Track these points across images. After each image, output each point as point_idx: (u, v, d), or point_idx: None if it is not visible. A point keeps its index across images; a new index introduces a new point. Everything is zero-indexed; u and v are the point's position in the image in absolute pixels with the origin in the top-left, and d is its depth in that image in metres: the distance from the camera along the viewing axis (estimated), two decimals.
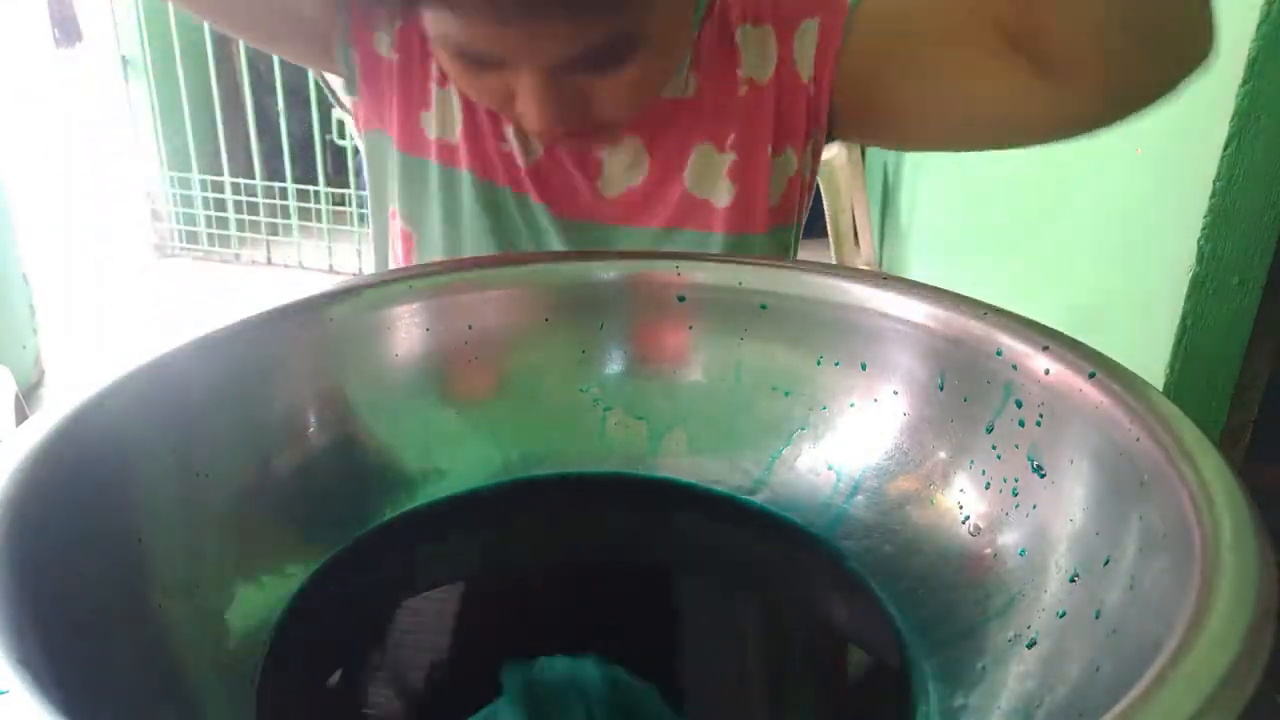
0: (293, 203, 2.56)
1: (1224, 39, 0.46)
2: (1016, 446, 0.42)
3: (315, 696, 0.40)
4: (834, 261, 2.06)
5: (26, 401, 1.31)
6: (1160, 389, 0.39)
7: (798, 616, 0.41)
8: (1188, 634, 0.28)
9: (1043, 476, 0.41)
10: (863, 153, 2.21)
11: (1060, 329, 0.41)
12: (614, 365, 0.49)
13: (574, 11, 0.46)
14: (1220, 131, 0.81)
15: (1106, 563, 0.36)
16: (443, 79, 0.60)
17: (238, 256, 2.64)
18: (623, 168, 0.60)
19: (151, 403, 0.40)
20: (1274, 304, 0.91)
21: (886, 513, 0.44)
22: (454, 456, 0.47)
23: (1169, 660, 0.27)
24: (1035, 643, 0.38)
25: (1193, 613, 0.28)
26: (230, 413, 0.42)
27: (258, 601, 0.41)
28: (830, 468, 0.46)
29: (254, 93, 2.47)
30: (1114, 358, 0.40)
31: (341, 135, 2.27)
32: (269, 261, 2.61)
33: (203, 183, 2.60)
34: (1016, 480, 0.42)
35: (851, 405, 0.46)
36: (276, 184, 2.56)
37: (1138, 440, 0.36)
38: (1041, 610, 0.38)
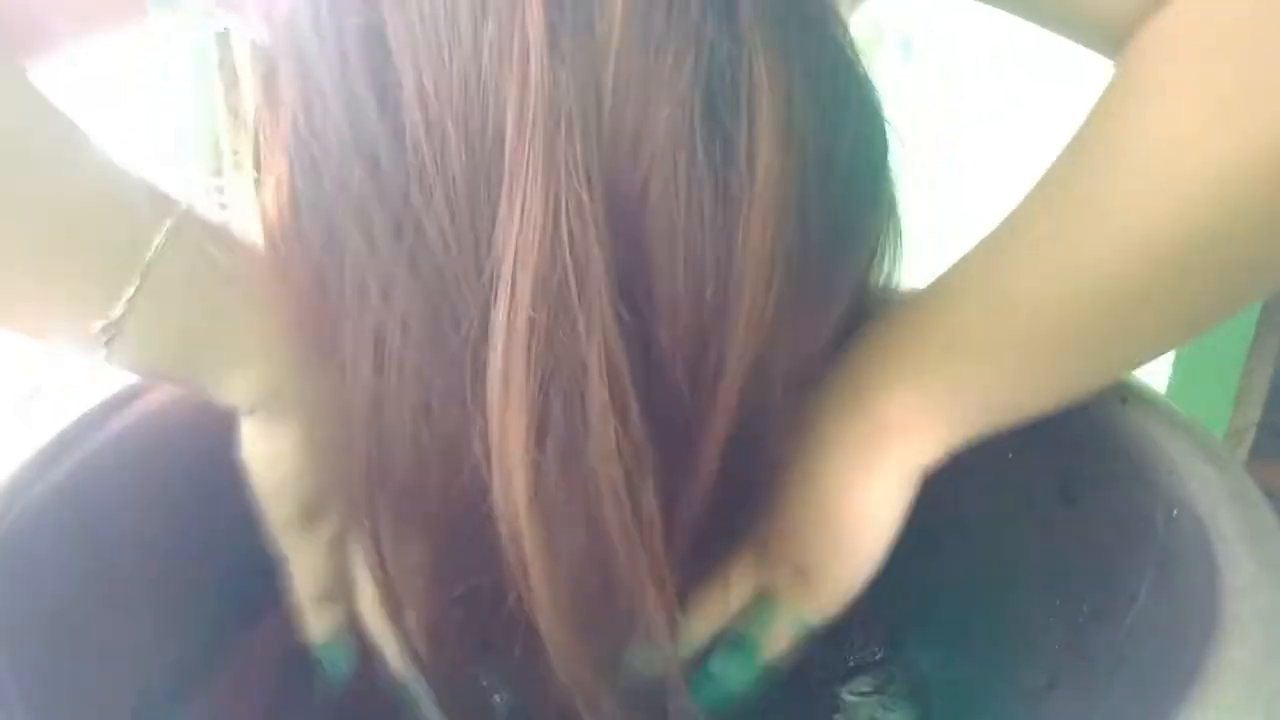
0: None
1: None
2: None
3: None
4: None
5: (24, 405, 1.30)
6: (1163, 391, 0.39)
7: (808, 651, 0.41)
8: (1210, 674, 0.27)
9: (1069, 509, 0.40)
10: None
11: None
12: None
13: None
14: None
15: (1132, 600, 0.35)
16: None
17: None
18: None
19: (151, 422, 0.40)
20: (1277, 305, 0.90)
21: None
22: None
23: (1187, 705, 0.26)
24: (1056, 684, 0.37)
25: (1217, 651, 0.27)
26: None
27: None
28: None
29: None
30: None
31: None
32: None
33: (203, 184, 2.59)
34: (1042, 513, 0.41)
35: None
36: None
37: (1166, 473, 0.35)
38: (1064, 651, 0.38)
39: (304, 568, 0.38)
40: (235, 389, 0.36)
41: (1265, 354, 0.93)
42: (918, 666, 0.41)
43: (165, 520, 0.40)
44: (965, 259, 0.37)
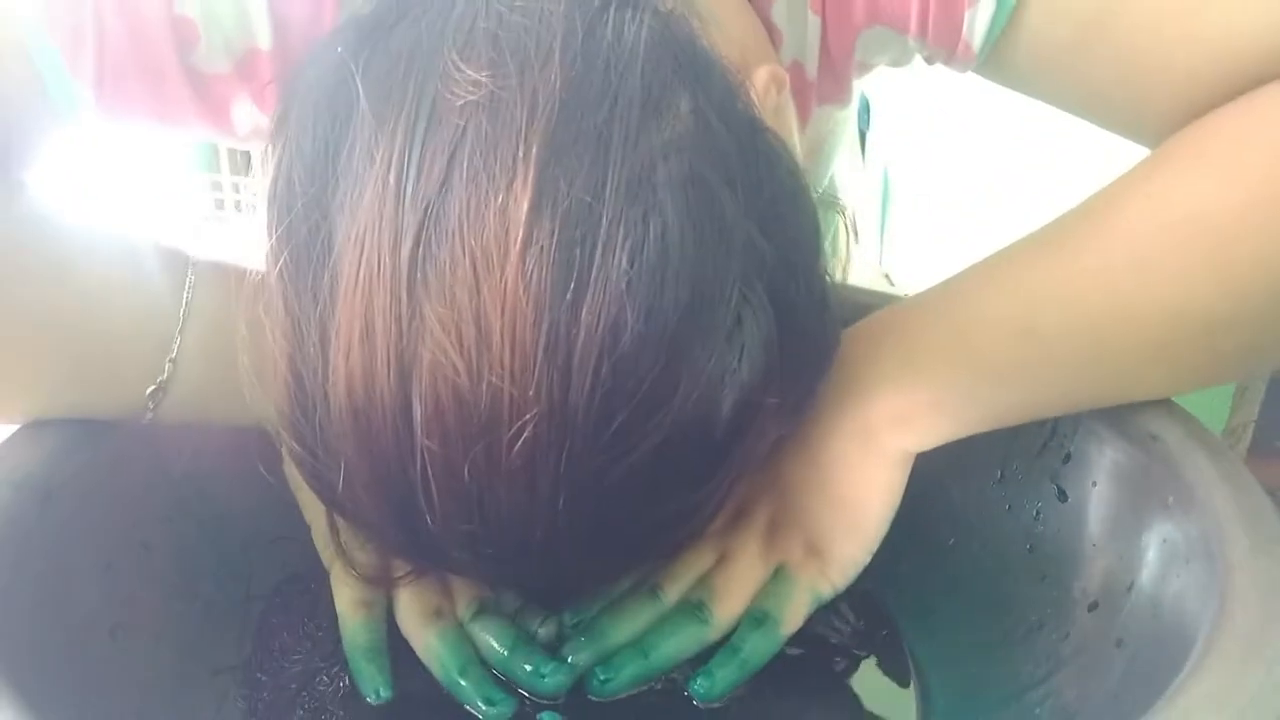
0: None
1: None
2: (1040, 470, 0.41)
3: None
4: (828, 255, 2.04)
5: None
6: None
7: (804, 636, 0.41)
8: (1208, 656, 0.27)
9: (1065, 500, 0.40)
10: (862, 149, 2.19)
11: None
12: None
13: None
14: None
15: (1129, 588, 0.35)
16: None
17: None
18: None
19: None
20: None
21: None
22: None
23: (1185, 684, 0.26)
24: (1054, 673, 0.37)
25: (1214, 634, 0.27)
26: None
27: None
28: None
29: None
30: None
31: None
32: None
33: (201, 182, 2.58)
34: (1039, 504, 0.41)
35: None
36: None
37: (1162, 462, 0.35)
38: (1062, 640, 0.38)
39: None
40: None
41: None
42: (917, 658, 0.41)
43: (169, 520, 0.40)
44: (969, 273, 0.40)
